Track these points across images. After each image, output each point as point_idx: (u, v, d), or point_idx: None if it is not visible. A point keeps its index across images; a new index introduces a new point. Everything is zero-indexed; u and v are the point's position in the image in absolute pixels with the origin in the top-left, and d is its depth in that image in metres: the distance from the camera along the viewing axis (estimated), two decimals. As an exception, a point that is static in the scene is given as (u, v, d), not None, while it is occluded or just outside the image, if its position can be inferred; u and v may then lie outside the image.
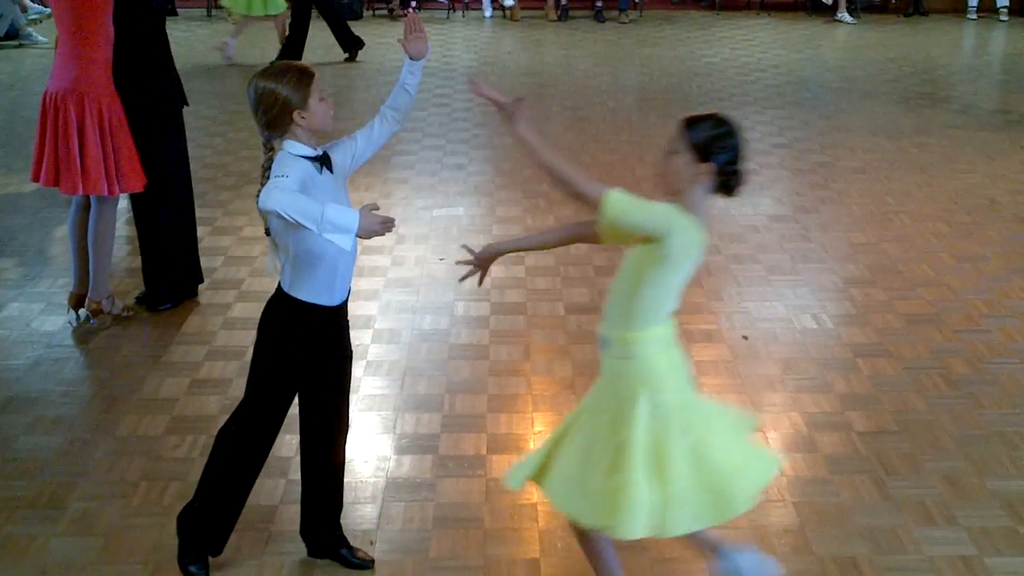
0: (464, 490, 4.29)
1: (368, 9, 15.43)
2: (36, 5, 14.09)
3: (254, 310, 5.75)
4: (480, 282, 3.65)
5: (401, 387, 5.07)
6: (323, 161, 3.41)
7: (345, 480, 3.88)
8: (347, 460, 3.89)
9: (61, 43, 5.35)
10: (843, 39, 14.17)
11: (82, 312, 5.70)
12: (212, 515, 3.72)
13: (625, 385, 3.26)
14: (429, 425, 4.74)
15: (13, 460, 4.49)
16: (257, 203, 3.26)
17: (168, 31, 5.76)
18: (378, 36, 13.51)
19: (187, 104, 5.91)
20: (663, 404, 3.20)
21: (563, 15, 15.03)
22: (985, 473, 4.42)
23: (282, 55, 11.78)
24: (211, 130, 9.27)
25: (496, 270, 6.29)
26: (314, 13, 11.95)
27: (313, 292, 3.46)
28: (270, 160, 3.41)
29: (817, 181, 8.09)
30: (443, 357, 5.37)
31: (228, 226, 7.06)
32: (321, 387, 3.65)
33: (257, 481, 4.26)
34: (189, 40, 13.30)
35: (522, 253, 6.60)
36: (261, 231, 6.71)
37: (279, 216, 3.15)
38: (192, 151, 5.93)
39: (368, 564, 3.83)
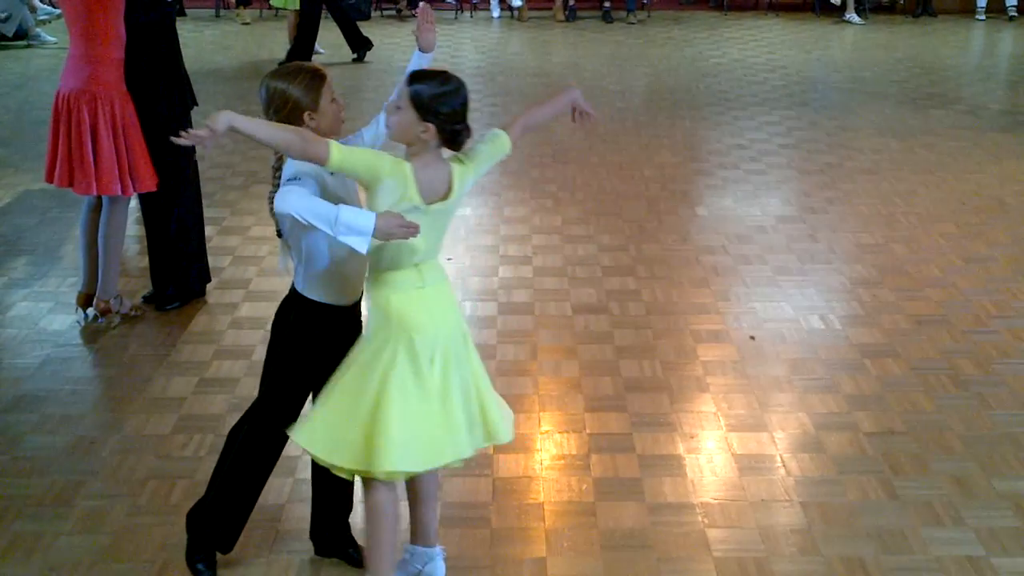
0: (471, 489, 4.29)
1: (376, 9, 15.44)
2: (45, 5, 14.13)
3: (262, 309, 5.80)
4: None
5: (408, 387, 5.07)
6: None
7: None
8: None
9: (72, 44, 5.37)
10: (851, 40, 14.16)
11: (90, 311, 5.71)
12: (224, 513, 3.73)
13: (370, 327, 3.37)
14: (436, 424, 4.74)
15: (21, 458, 4.50)
16: (271, 206, 3.27)
17: (177, 31, 5.76)
18: (386, 36, 13.53)
19: (196, 104, 5.91)
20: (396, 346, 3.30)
21: (571, 16, 15.04)
22: (993, 474, 4.41)
23: (291, 55, 11.80)
24: (219, 130, 9.27)
25: (503, 270, 6.36)
26: (323, 13, 11.97)
27: (326, 292, 3.47)
28: (280, 160, 3.42)
29: (825, 182, 8.08)
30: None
31: (236, 226, 7.07)
32: None
33: (264, 480, 4.28)
34: (198, 40, 13.33)
35: (530, 254, 6.62)
36: (268, 231, 6.75)
37: (294, 219, 3.16)
38: (200, 151, 5.92)
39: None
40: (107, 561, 3.86)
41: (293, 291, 3.55)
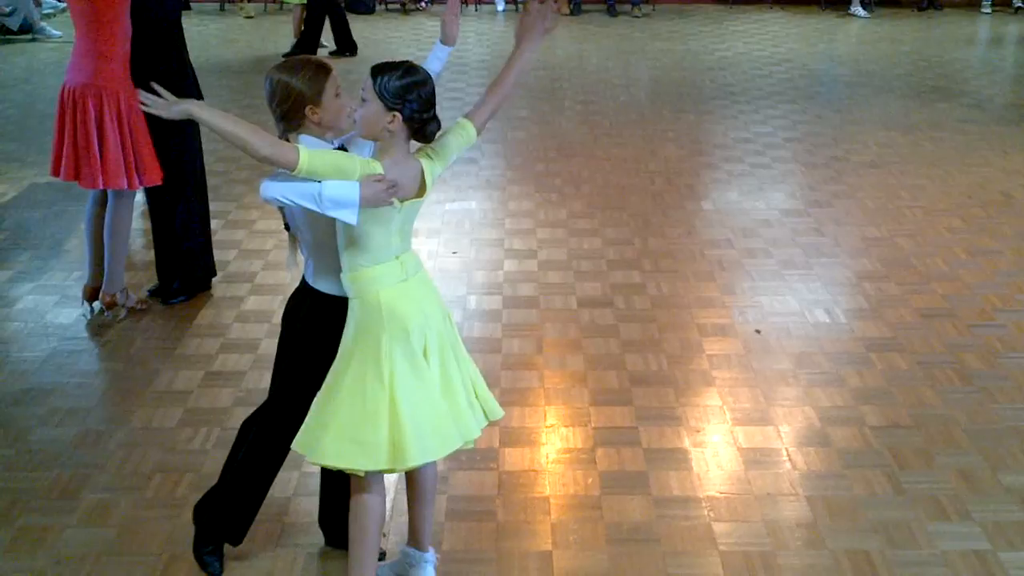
0: (477, 483, 4.30)
1: (380, 4, 15.43)
2: (50, -1, 14.15)
3: (267, 303, 5.80)
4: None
5: (414, 380, 5.08)
6: None
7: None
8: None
9: (78, 38, 5.36)
10: (856, 33, 14.13)
11: (96, 305, 5.72)
12: (235, 504, 3.74)
13: (356, 325, 3.34)
14: (442, 418, 4.74)
15: (28, 451, 4.51)
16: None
17: (183, 25, 5.76)
18: (390, 31, 13.52)
19: (201, 98, 5.91)
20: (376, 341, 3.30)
21: (576, 9, 15.02)
22: (999, 468, 4.41)
23: (296, 48, 11.80)
24: (224, 124, 9.27)
25: (508, 264, 6.36)
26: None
27: (337, 284, 3.46)
28: None
29: (830, 175, 8.07)
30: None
31: (241, 219, 7.07)
32: None
33: (271, 473, 4.29)
34: (203, 34, 13.33)
35: (535, 247, 6.62)
36: (274, 224, 6.76)
37: (280, 203, 3.17)
38: (206, 145, 5.94)
39: (381, 556, 3.83)
40: (113, 554, 3.87)
41: (304, 284, 3.55)
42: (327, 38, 12.24)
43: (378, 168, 3.19)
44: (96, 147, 5.31)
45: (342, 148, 3.43)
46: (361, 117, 3.25)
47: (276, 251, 6.51)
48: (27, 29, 13.15)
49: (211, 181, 6.34)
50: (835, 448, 4.54)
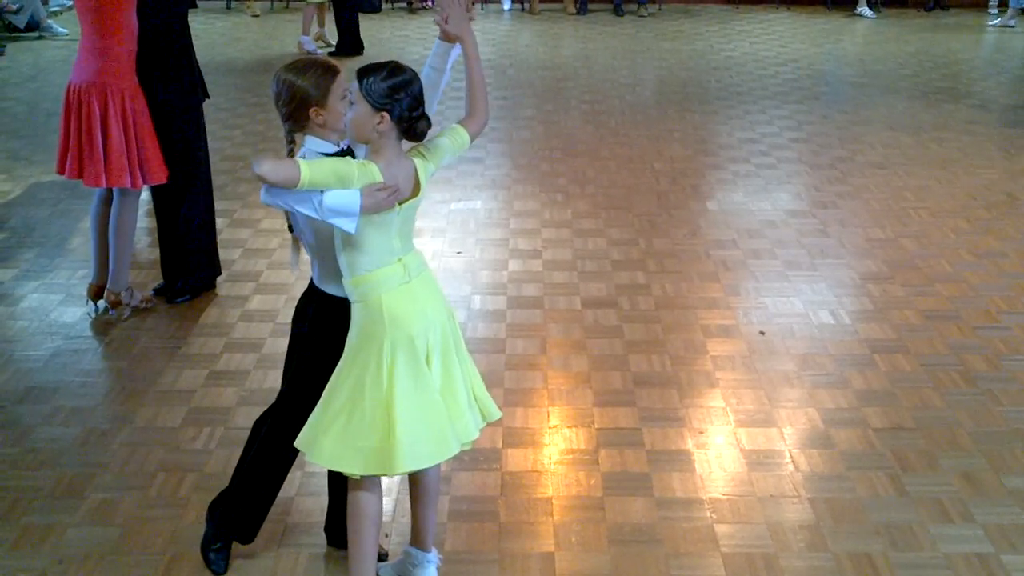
0: (479, 484, 4.30)
1: (387, 2, 15.43)
2: (57, -3, 14.17)
3: (272, 302, 5.81)
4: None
5: (417, 380, 5.08)
6: (344, 156, 3.41)
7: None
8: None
9: (84, 36, 5.37)
10: (863, 33, 14.11)
11: (101, 303, 5.73)
12: (245, 503, 3.75)
13: (359, 328, 3.35)
14: (445, 418, 4.74)
15: (31, 450, 4.52)
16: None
17: (189, 24, 5.77)
18: (396, 29, 13.52)
19: (208, 97, 5.92)
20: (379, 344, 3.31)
21: (582, 9, 15.02)
22: (1002, 470, 4.40)
23: (340, 48, 11.84)
24: (230, 122, 9.30)
25: (513, 264, 6.36)
26: (328, 5, 11.97)
27: (341, 285, 3.46)
28: (291, 154, 3.42)
29: (835, 176, 8.06)
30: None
31: (247, 218, 7.08)
32: None
33: (274, 473, 4.29)
34: (209, 32, 13.34)
35: (540, 248, 6.62)
36: (279, 223, 6.77)
37: (280, 208, 3.18)
38: (211, 143, 5.95)
39: (383, 556, 3.84)
40: (117, 553, 3.88)
41: (311, 285, 3.55)
42: (331, 37, 12.24)
43: (375, 170, 3.19)
44: (100, 145, 5.32)
45: (349, 150, 3.43)
46: (350, 120, 3.25)
47: (281, 250, 6.51)
48: (34, 27, 13.17)
49: (217, 180, 6.36)
50: (838, 450, 4.54)
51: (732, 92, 10.68)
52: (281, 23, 13.96)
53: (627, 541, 3.96)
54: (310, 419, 3.40)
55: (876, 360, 5.28)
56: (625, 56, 12.44)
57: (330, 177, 3.10)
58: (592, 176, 8.03)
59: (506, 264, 6.39)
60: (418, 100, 3.25)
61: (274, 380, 5.01)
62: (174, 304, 5.86)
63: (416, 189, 3.32)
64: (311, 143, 3.40)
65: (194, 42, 5.80)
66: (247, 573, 3.80)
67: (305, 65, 3.41)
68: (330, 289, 3.47)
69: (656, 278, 6.19)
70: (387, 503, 4.11)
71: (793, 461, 4.46)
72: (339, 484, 3.77)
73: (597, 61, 12.13)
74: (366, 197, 3.14)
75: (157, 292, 5.95)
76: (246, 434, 4.57)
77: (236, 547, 3.88)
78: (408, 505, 3.73)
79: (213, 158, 6.14)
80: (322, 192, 3.10)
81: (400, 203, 3.26)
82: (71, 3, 12.73)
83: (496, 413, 3.60)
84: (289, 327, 3.69)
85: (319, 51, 11.99)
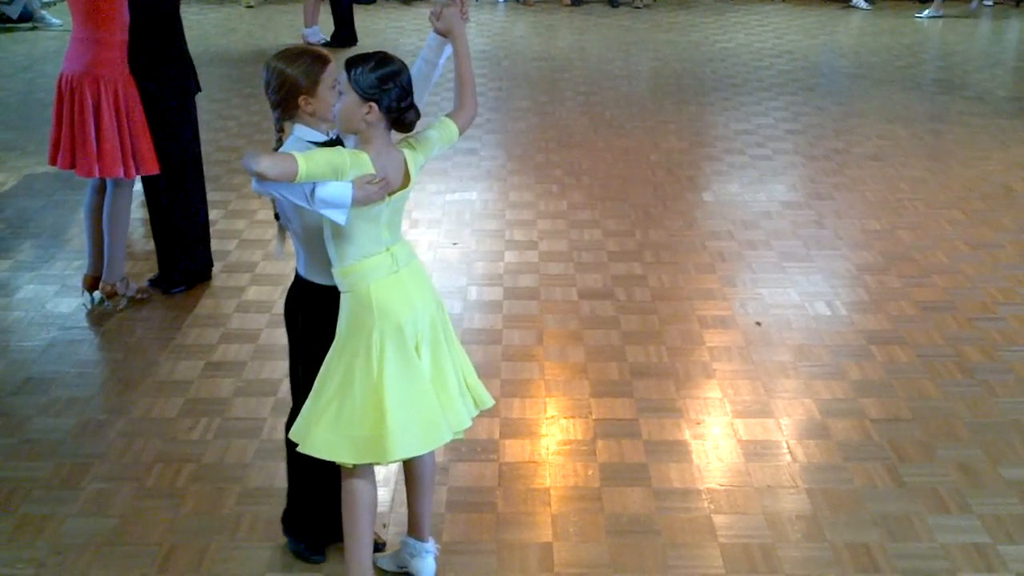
0: (477, 474, 4.30)
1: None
2: (50, -13, 14.10)
3: (268, 293, 5.80)
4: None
5: (414, 371, 5.07)
6: (333, 146, 3.40)
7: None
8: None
9: (75, 26, 5.35)
10: (858, 25, 14.11)
11: (96, 294, 5.71)
12: (307, 510, 3.76)
13: (348, 318, 3.35)
14: (442, 409, 4.74)
15: (28, 441, 4.51)
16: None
17: (181, 15, 5.74)
18: (391, 20, 13.49)
19: (200, 90, 5.90)
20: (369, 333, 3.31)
21: (577, 0, 14.99)
22: (999, 461, 4.41)
23: (335, 38, 11.81)
24: (225, 113, 9.28)
25: (509, 255, 6.35)
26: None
27: (330, 275, 3.45)
28: (280, 142, 3.41)
29: (831, 168, 8.06)
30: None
31: (242, 209, 7.07)
32: None
33: (272, 463, 4.30)
34: (202, 23, 13.30)
35: (536, 239, 6.61)
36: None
37: (272, 197, 3.17)
38: (206, 135, 5.94)
39: (380, 547, 3.84)
40: (114, 544, 3.88)
41: (298, 278, 3.53)
42: (327, 30, 12.21)
43: (365, 159, 3.19)
44: (93, 136, 5.31)
45: (337, 139, 3.42)
46: (339, 111, 3.25)
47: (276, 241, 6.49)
48: (27, 17, 13.11)
49: (212, 171, 6.34)
50: (835, 441, 4.54)
51: (727, 83, 10.67)
52: (275, 14, 13.92)
53: (625, 532, 3.96)
54: (302, 410, 3.40)
55: (873, 351, 5.29)
56: (620, 47, 12.43)
57: (325, 169, 3.10)
58: (588, 167, 8.02)
59: (502, 255, 6.39)
60: (407, 90, 3.24)
61: (271, 371, 5.02)
62: (170, 295, 5.85)
63: (406, 180, 3.32)
64: (300, 131, 3.40)
65: (187, 33, 5.79)
66: (245, 565, 3.79)
67: (296, 53, 3.41)
68: (316, 278, 3.45)
69: (652, 269, 6.19)
70: (385, 493, 4.12)
71: (790, 452, 4.46)
72: (301, 474, 3.73)
73: (592, 52, 12.11)
74: (358, 189, 3.14)
75: (153, 283, 5.93)
76: (243, 425, 4.62)
77: (235, 540, 3.88)
78: (406, 495, 3.72)
79: (207, 149, 6.12)
80: (315, 184, 3.10)
81: (389, 194, 3.26)
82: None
83: (489, 401, 3.60)
84: (284, 318, 3.68)
85: (324, 39, 11.95)
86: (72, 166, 5.43)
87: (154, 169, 5.52)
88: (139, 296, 5.78)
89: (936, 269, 6.23)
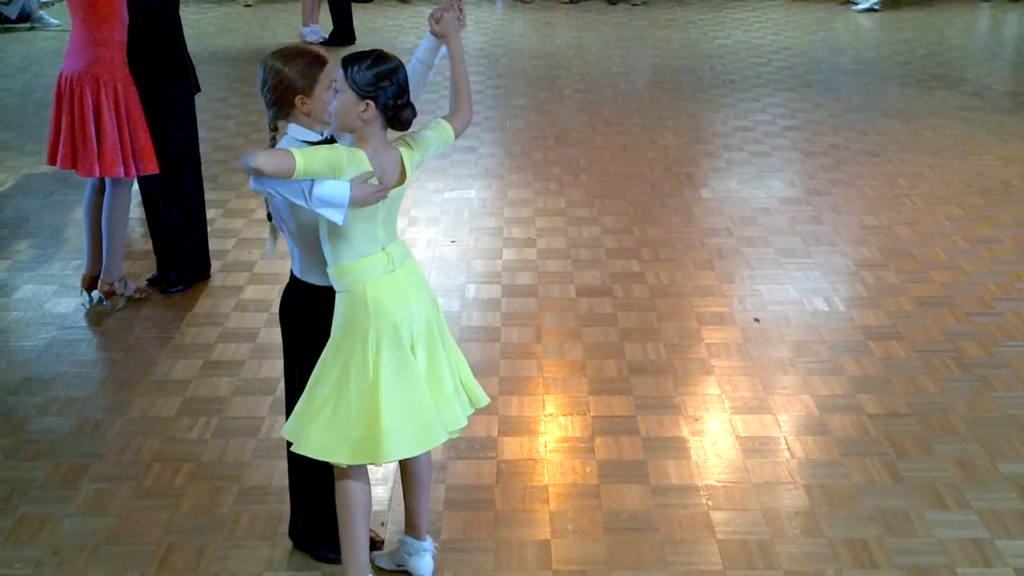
0: (475, 472, 4.30)
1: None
2: (48, -12, 14.10)
3: (266, 292, 5.80)
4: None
5: (412, 369, 5.07)
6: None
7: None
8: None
9: (74, 26, 5.36)
10: (856, 21, 14.10)
11: (95, 294, 5.72)
12: (313, 507, 3.74)
13: (344, 317, 3.35)
14: (440, 407, 4.74)
15: (26, 441, 4.52)
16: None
17: (180, 15, 5.74)
18: (389, 19, 13.48)
19: (199, 90, 5.90)
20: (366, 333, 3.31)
21: (575, -3, 14.97)
22: (997, 456, 4.41)
23: (334, 37, 11.78)
24: (223, 113, 9.28)
25: (507, 253, 6.35)
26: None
27: (327, 275, 3.44)
28: (274, 141, 3.41)
29: (829, 164, 8.06)
30: (454, 339, 5.37)
31: (240, 208, 7.07)
32: None
33: (270, 462, 4.31)
34: (200, 22, 13.29)
35: (534, 236, 6.61)
36: (273, 213, 6.75)
37: (270, 195, 3.17)
38: (204, 134, 5.94)
39: (379, 545, 3.85)
40: (112, 543, 3.88)
41: (294, 280, 3.53)
42: (326, 28, 12.20)
43: (363, 157, 3.18)
44: (93, 135, 5.31)
45: (331, 139, 3.42)
46: (335, 109, 3.24)
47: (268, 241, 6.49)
48: (25, 17, 13.11)
49: (210, 170, 6.34)
50: (833, 436, 4.55)
51: (726, 80, 10.67)
52: (273, 13, 13.91)
53: (623, 528, 3.97)
54: (295, 410, 3.40)
55: (871, 347, 5.29)
56: (618, 45, 12.42)
57: (323, 166, 3.09)
58: (586, 165, 8.02)
59: (500, 253, 6.39)
60: (403, 88, 3.25)
61: (269, 370, 5.02)
62: (168, 294, 5.85)
63: (402, 177, 3.32)
64: (294, 131, 3.40)
65: (185, 32, 5.79)
66: (242, 562, 3.80)
67: (293, 53, 3.40)
68: (313, 279, 3.44)
69: (650, 266, 6.19)
70: (383, 491, 4.12)
71: (788, 448, 4.47)
72: (305, 476, 3.70)
73: (590, 50, 12.11)
74: (356, 189, 3.14)
75: (151, 282, 5.94)
76: (241, 424, 4.62)
77: (233, 539, 3.88)
78: (403, 494, 3.72)
79: (206, 148, 6.13)
80: (313, 182, 3.10)
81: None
82: (62, -7, 12.68)
83: (484, 399, 3.61)
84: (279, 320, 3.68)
85: (322, 37, 11.94)
86: (73, 166, 5.43)
87: (153, 169, 5.52)
88: (137, 296, 5.78)
89: (934, 265, 6.23)
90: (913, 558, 3.82)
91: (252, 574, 3.75)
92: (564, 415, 4.71)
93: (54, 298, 5.81)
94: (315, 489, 3.69)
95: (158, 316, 5.65)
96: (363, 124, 3.22)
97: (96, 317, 5.63)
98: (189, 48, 5.81)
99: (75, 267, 6.09)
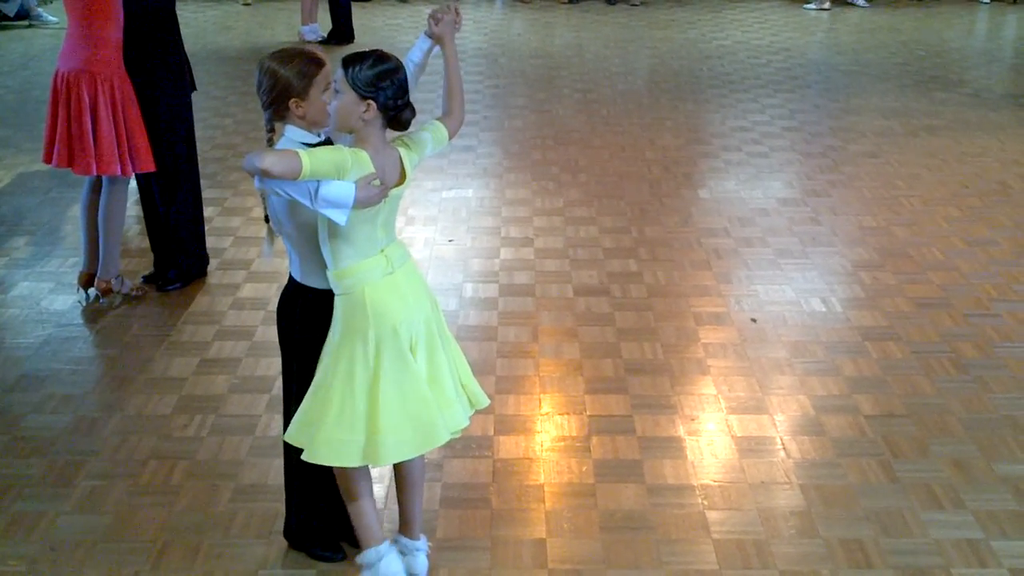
0: (471, 471, 4.30)
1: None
2: (46, -15, 14.09)
3: (263, 290, 5.80)
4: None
5: (409, 368, 5.07)
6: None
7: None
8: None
9: (71, 24, 5.35)
10: (855, 22, 14.10)
11: (91, 291, 5.71)
12: (308, 509, 3.74)
13: (343, 320, 3.35)
14: (437, 406, 4.74)
15: (22, 438, 4.51)
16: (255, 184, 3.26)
17: (177, 13, 5.74)
18: (387, 18, 13.48)
19: (195, 88, 5.89)
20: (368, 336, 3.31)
21: (574, -3, 14.97)
22: (993, 457, 4.41)
23: (330, 37, 11.77)
24: (221, 111, 9.27)
25: (505, 252, 6.35)
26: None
27: (325, 278, 3.43)
28: (271, 143, 3.40)
29: (827, 164, 8.06)
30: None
31: (238, 207, 7.06)
32: None
33: (266, 460, 4.30)
34: (199, 21, 13.29)
35: (532, 235, 6.61)
36: (270, 211, 6.74)
37: (275, 194, 3.16)
38: (202, 132, 5.94)
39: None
40: (108, 541, 3.88)
41: (292, 282, 3.51)
42: (325, 27, 12.20)
43: (365, 157, 3.19)
44: (90, 133, 5.31)
45: (328, 140, 3.41)
46: (335, 109, 3.24)
47: (266, 243, 6.50)
48: (23, 15, 13.09)
49: (208, 168, 6.34)
50: (829, 437, 4.55)
51: (724, 81, 10.67)
52: (272, 11, 13.90)
53: (618, 527, 3.97)
54: (297, 415, 3.40)
55: (867, 347, 5.29)
56: (617, 45, 12.42)
57: (328, 166, 3.10)
58: (584, 164, 8.02)
59: (498, 252, 6.39)
60: (403, 88, 3.25)
61: (265, 367, 5.02)
62: (165, 292, 5.85)
63: (402, 177, 3.32)
64: (291, 132, 3.39)
65: (183, 31, 5.80)
66: (239, 560, 3.79)
67: (291, 55, 3.39)
68: (313, 283, 3.43)
69: (648, 266, 6.19)
70: (379, 490, 4.12)
71: (784, 448, 4.47)
72: (301, 476, 3.69)
73: (589, 50, 12.11)
74: (361, 190, 3.13)
75: (148, 280, 5.93)
76: (237, 422, 4.62)
77: (229, 537, 3.88)
78: (396, 494, 3.72)
79: (204, 147, 6.12)
80: (319, 182, 3.09)
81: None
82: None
83: (484, 400, 3.61)
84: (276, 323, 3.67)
85: (321, 36, 11.92)
86: (69, 164, 5.43)
87: (150, 167, 5.52)
88: (134, 293, 5.77)
89: (931, 265, 6.23)
90: (909, 558, 3.82)
91: (248, 572, 3.75)
92: (560, 414, 4.71)
93: (50, 295, 5.81)
94: (310, 488, 3.69)
95: (155, 314, 5.64)
96: (363, 124, 3.22)
97: (92, 315, 5.62)
98: (188, 46, 5.81)
99: (72, 264, 6.08)
